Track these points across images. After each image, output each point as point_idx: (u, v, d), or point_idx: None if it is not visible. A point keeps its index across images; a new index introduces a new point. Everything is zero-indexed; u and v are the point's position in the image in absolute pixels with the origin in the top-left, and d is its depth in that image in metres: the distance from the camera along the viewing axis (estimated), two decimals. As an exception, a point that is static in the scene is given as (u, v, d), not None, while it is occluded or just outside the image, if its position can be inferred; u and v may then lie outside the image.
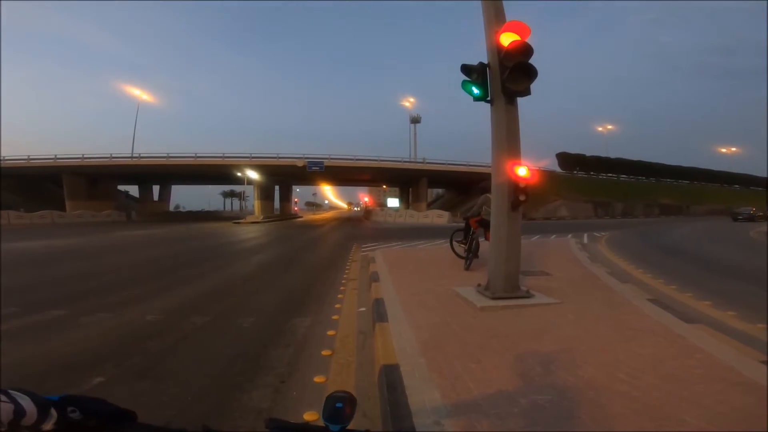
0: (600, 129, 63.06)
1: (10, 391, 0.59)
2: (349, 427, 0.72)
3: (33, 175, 40.00)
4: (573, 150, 49.72)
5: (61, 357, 3.58)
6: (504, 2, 5.06)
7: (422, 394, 2.49)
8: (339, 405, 0.73)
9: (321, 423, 0.72)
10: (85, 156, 38.46)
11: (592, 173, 49.69)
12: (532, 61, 4.57)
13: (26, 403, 0.59)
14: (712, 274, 7.79)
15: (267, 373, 3.22)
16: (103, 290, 6.40)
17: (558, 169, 47.87)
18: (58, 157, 37.97)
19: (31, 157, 38.41)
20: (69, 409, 0.64)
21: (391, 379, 2.69)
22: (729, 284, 6.67)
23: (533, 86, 4.70)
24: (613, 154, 51.44)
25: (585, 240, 14.32)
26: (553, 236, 15.84)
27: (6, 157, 38.45)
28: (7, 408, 0.57)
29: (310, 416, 2.49)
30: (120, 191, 51.23)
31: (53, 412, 0.62)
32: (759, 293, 5.66)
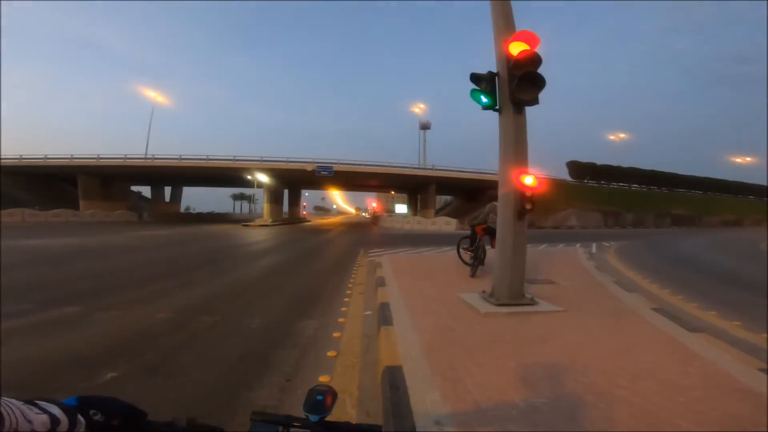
0: (612, 137, 62.47)
1: (38, 402, 0.60)
2: (330, 418, 0.77)
3: (49, 173, 40.80)
4: (585, 159, 49.38)
5: (75, 352, 3.68)
6: (514, 9, 5.14)
7: (424, 394, 2.56)
8: (319, 397, 0.78)
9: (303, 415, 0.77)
10: (100, 156, 39.17)
11: (602, 182, 49.21)
12: (542, 70, 4.64)
13: (56, 411, 0.61)
14: (719, 285, 7.73)
15: (273, 373, 3.30)
16: (116, 288, 6.56)
17: (568, 178, 47.51)
18: (74, 156, 38.73)
19: (48, 156, 39.22)
20: (91, 412, 0.66)
21: (393, 380, 2.76)
22: (736, 295, 6.63)
23: (543, 95, 4.76)
24: (625, 163, 50.91)
25: (593, 250, 14.24)
26: (561, 245, 15.77)
27: (23, 156, 39.36)
28: (44, 419, 0.58)
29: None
30: (133, 192, 51.98)
31: (80, 418, 0.64)
32: (765, 304, 5.63)
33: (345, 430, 0.77)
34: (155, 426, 0.74)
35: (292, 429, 0.77)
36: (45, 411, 0.59)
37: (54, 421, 0.59)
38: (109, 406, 0.69)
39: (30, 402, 0.59)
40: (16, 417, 0.55)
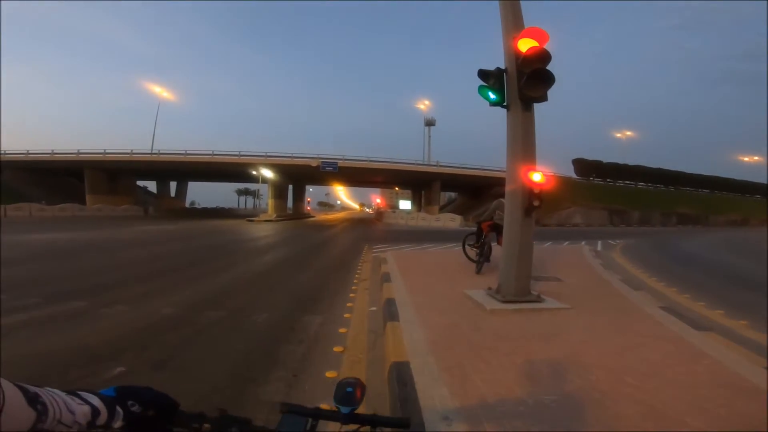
0: (619, 135, 62.04)
1: (80, 393, 0.62)
2: (359, 411, 0.78)
3: (56, 168, 41.08)
4: (591, 156, 49.03)
5: (83, 347, 3.70)
6: (523, 5, 5.10)
7: (431, 390, 2.56)
8: (349, 389, 0.80)
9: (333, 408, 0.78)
10: (106, 151, 39.41)
11: (608, 180, 48.89)
12: (550, 67, 4.59)
13: (97, 402, 0.62)
14: (727, 284, 7.68)
15: (280, 368, 3.31)
16: (121, 283, 6.60)
17: (574, 176, 47.21)
18: (80, 151, 38.96)
19: (54, 151, 39.49)
20: (129, 403, 0.67)
21: (401, 376, 2.77)
22: (744, 294, 6.58)
23: (551, 92, 4.73)
24: (631, 161, 50.51)
25: (599, 247, 14.18)
26: (566, 243, 15.71)
27: (30, 151, 39.71)
28: (85, 410, 0.59)
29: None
30: (138, 187, 52.27)
31: (119, 409, 0.65)
32: None
33: (374, 422, 0.78)
34: (188, 416, 0.76)
35: (322, 420, 0.78)
36: (86, 402, 0.61)
37: (95, 412, 0.61)
38: (145, 397, 0.71)
39: (72, 393, 0.61)
40: (59, 407, 0.56)
